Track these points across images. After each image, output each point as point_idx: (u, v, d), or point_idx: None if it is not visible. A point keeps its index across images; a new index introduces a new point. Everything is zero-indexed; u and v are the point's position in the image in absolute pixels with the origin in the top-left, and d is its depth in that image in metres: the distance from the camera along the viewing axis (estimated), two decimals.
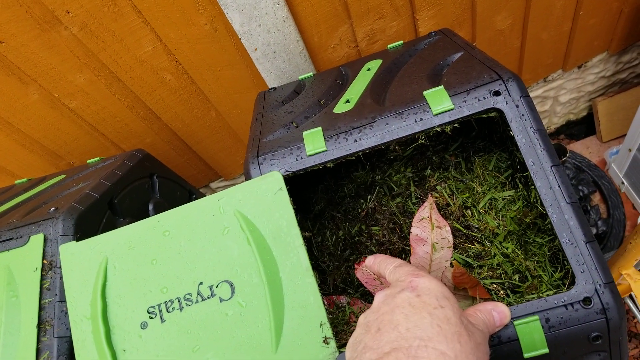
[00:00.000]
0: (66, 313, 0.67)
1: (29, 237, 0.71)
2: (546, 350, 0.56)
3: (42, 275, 0.69)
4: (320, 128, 0.67)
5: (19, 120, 1.10)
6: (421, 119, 0.64)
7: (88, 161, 1.02)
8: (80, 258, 0.67)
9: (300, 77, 0.95)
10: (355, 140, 0.65)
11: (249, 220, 0.63)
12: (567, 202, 0.59)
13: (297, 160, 0.66)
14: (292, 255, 0.62)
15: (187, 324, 0.62)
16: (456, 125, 0.64)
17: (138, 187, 0.94)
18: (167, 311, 0.63)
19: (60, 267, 0.69)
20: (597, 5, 1.28)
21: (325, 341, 0.59)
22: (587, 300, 0.56)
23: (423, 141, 0.66)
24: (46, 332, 0.65)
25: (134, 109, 1.16)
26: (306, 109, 0.77)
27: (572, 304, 0.57)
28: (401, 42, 0.93)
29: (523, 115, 0.62)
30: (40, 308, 0.67)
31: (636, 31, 1.45)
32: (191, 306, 0.63)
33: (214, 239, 0.64)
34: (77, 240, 0.71)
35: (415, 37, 1.18)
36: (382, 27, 1.12)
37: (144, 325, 0.63)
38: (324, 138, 0.66)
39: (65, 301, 0.67)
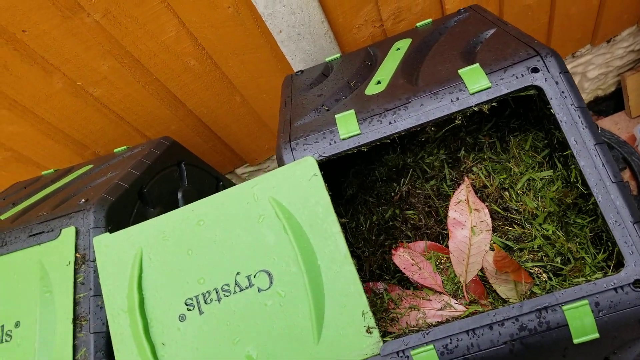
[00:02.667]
0: (102, 307, 0.66)
1: (60, 230, 0.71)
2: (596, 335, 0.55)
3: (75, 269, 0.68)
4: (353, 111, 0.66)
5: (44, 109, 1.10)
6: (457, 99, 0.62)
7: (115, 150, 1.02)
8: (115, 250, 0.66)
9: (327, 59, 0.93)
10: (390, 123, 0.63)
11: (284, 208, 0.62)
12: (613, 182, 0.57)
13: (330, 144, 0.64)
14: (330, 242, 0.60)
15: (226, 315, 0.62)
16: (494, 104, 0.62)
17: (167, 175, 0.94)
18: (205, 303, 0.62)
19: (93, 261, 0.69)
20: None
21: (368, 330, 0.58)
22: (637, 283, 0.55)
23: (459, 122, 0.64)
24: (82, 328, 0.65)
25: (158, 96, 1.16)
26: (336, 92, 0.75)
27: (622, 287, 0.55)
28: (430, 20, 0.90)
29: (563, 92, 0.60)
30: (75, 303, 0.66)
31: None
32: (229, 297, 0.62)
33: (249, 228, 0.63)
34: (110, 232, 0.71)
35: (441, 14, 1.15)
36: (408, 5, 1.09)
37: (182, 318, 0.62)
38: (358, 121, 0.64)
39: (100, 295, 0.67)
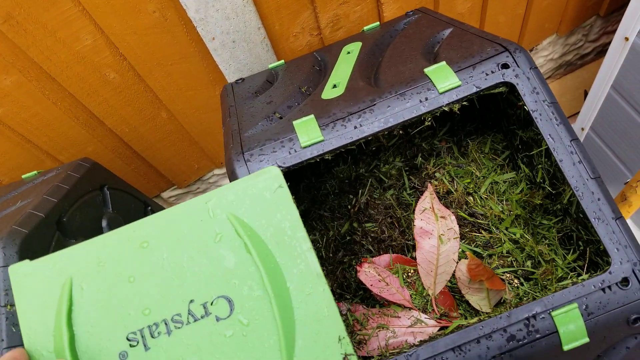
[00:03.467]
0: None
1: None
2: (587, 340, 0.52)
3: None
4: (312, 116, 0.59)
5: None
6: (426, 99, 0.57)
7: (23, 176, 0.87)
8: (37, 280, 0.54)
9: (270, 66, 0.86)
10: (355, 127, 0.57)
11: (246, 224, 0.54)
12: (592, 177, 0.55)
13: (290, 153, 0.57)
14: (300, 261, 0.53)
15: (177, 350, 0.52)
16: (465, 103, 0.58)
17: (88, 201, 0.82)
18: (152, 337, 0.53)
19: (4, 305, 0.57)
20: None
21: (346, 358, 0.51)
22: (625, 281, 0.52)
23: (429, 123, 0.59)
24: None
25: (72, 114, 1.02)
26: (287, 98, 0.68)
27: (609, 287, 0.52)
28: (377, 23, 0.86)
29: (535, 88, 0.58)
30: None
31: (582, 12, 1.48)
32: (181, 328, 0.53)
33: (204, 249, 0.54)
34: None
35: (379, 21, 1.12)
36: (346, 12, 1.05)
37: (123, 356, 0.52)
38: (319, 126, 0.58)
39: (16, 346, 0.55)
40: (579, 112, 1.64)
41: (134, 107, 1.08)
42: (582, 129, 1.61)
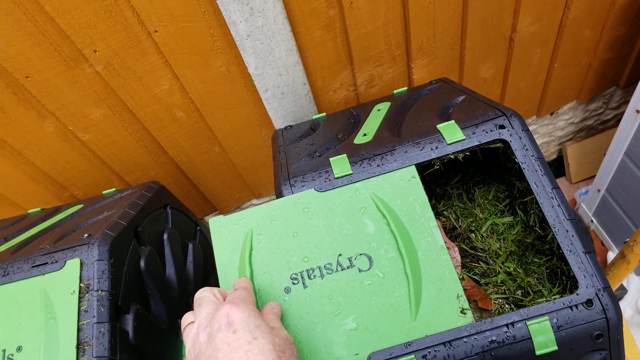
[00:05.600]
0: (104, 334, 0.69)
1: (65, 261, 0.74)
2: (555, 348, 0.63)
3: (79, 298, 0.71)
4: (345, 155, 0.76)
5: (31, 152, 1.13)
6: (437, 147, 0.74)
7: (103, 192, 1.05)
8: (228, 230, 0.73)
9: (314, 117, 1.03)
10: (378, 165, 0.74)
11: (385, 202, 0.71)
12: (567, 219, 0.69)
13: (325, 182, 0.74)
14: (427, 235, 0.69)
15: (328, 290, 0.68)
16: (467, 153, 0.72)
17: (156, 216, 0.99)
18: (309, 278, 0.69)
19: (97, 290, 0.72)
20: (569, 58, 1.43)
21: (463, 312, 0.65)
22: (589, 302, 0.64)
23: (438, 167, 0.74)
24: (85, 352, 0.68)
25: (142, 143, 1.21)
26: (326, 142, 0.85)
27: (576, 306, 0.64)
28: (405, 88, 1.03)
29: (525, 145, 0.73)
30: (79, 329, 0.69)
31: (602, 82, 1.61)
32: (332, 275, 0.69)
33: (351, 217, 0.71)
34: (112, 264, 0.75)
35: (408, 83, 1.29)
36: (380, 74, 1.22)
37: (287, 290, 0.69)
38: (350, 163, 0.74)
39: (103, 322, 0.70)
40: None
41: (194, 141, 1.26)
42: (599, 190, 1.71)
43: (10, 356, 0.68)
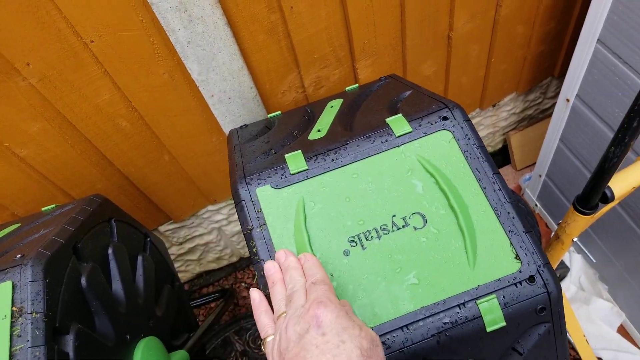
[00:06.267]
0: (39, 358, 0.67)
1: None
2: (504, 324, 0.67)
3: (12, 322, 0.69)
4: (300, 151, 0.77)
5: None
6: (387, 140, 0.77)
7: (43, 209, 1.02)
8: (278, 198, 0.73)
9: (269, 115, 1.05)
10: (332, 160, 0.76)
11: (431, 162, 0.73)
12: (508, 201, 0.73)
13: (282, 178, 0.75)
14: (473, 190, 0.72)
15: (386, 249, 0.70)
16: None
17: (98, 231, 0.96)
18: (367, 240, 0.70)
19: (30, 313, 0.70)
20: (505, 53, 1.49)
21: (517, 257, 0.69)
22: (531, 278, 0.68)
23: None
24: None
25: (86, 156, 1.18)
26: (281, 139, 0.87)
27: (520, 282, 0.68)
28: (357, 85, 1.06)
29: (467, 135, 0.77)
30: (11, 356, 0.66)
31: (538, 74, 1.69)
32: (388, 235, 0.71)
33: (399, 179, 0.73)
34: (47, 284, 0.73)
35: (355, 82, 1.31)
36: (327, 75, 1.24)
37: (346, 253, 0.70)
38: (305, 159, 0.76)
39: (38, 346, 0.68)
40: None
41: (141, 150, 1.24)
42: (540, 176, 1.79)
43: None
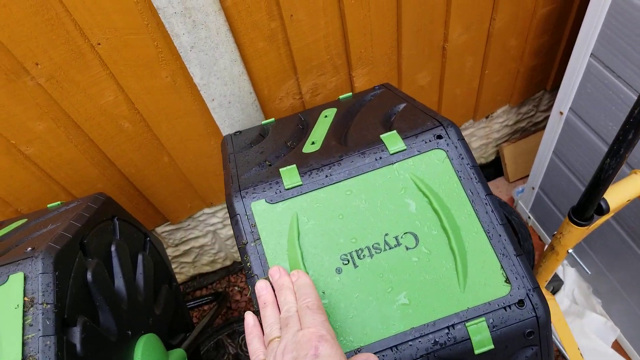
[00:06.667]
0: (50, 347, 0.70)
1: (8, 276, 0.74)
2: (492, 347, 0.68)
3: (24, 312, 0.71)
4: (294, 165, 0.79)
5: None
6: (380, 158, 0.78)
7: (48, 205, 1.05)
8: (272, 213, 0.74)
9: (263, 122, 1.07)
10: (327, 176, 0.77)
11: (425, 182, 0.75)
12: (500, 224, 0.74)
13: (276, 193, 0.76)
14: (466, 211, 0.73)
15: (378, 268, 0.71)
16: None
17: (103, 228, 0.99)
18: (359, 258, 0.72)
19: (41, 303, 0.72)
20: (499, 65, 1.53)
21: (507, 281, 0.70)
22: (521, 302, 0.69)
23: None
24: None
25: (89, 155, 1.21)
26: (276, 150, 0.88)
27: (509, 306, 0.69)
28: (350, 93, 1.08)
29: (461, 154, 0.77)
30: (24, 344, 0.69)
31: (531, 87, 1.73)
32: (380, 254, 0.72)
33: (393, 197, 0.74)
34: (57, 277, 0.75)
35: (351, 90, 1.35)
36: (324, 82, 1.28)
37: (339, 271, 0.71)
38: (299, 174, 0.77)
39: (49, 335, 0.70)
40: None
41: (142, 152, 1.27)
42: (533, 188, 1.83)
43: None
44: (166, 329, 1.16)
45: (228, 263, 1.95)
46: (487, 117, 1.80)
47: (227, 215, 1.68)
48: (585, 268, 1.43)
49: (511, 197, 2.09)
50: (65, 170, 1.22)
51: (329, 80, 1.28)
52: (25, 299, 0.72)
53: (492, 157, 2.10)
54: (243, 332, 1.72)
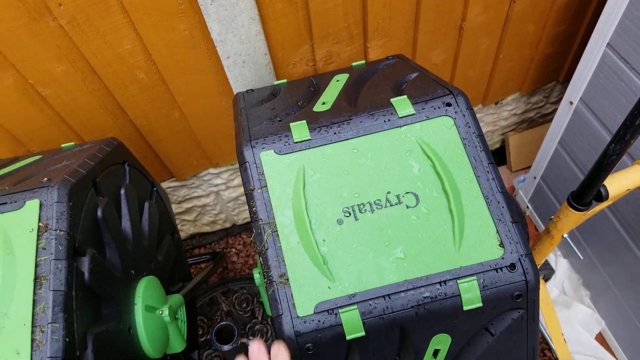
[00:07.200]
0: (61, 270, 0.73)
1: (24, 202, 0.77)
2: (480, 304, 0.72)
3: (38, 236, 0.75)
4: (304, 121, 0.82)
5: None
6: (389, 120, 0.81)
7: (62, 145, 1.08)
8: (280, 164, 0.78)
9: (275, 82, 1.09)
10: (335, 133, 0.80)
11: (430, 146, 0.78)
12: (499, 191, 0.77)
13: (285, 145, 0.80)
14: (468, 177, 0.76)
15: (378, 223, 0.75)
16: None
17: (114, 171, 1.02)
18: (360, 212, 0.75)
19: (55, 230, 0.76)
20: (513, 51, 1.54)
21: (501, 245, 0.73)
22: (512, 266, 0.73)
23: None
24: (42, 286, 0.71)
25: (103, 103, 1.23)
26: (287, 108, 0.91)
27: (501, 268, 0.73)
28: (363, 61, 1.10)
29: (468, 123, 0.80)
30: (37, 265, 0.73)
31: (543, 77, 1.73)
32: (381, 210, 0.75)
33: (398, 158, 0.78)
34: (70, 207, 0.79)
35: (365, 60, 1.36)
36: (338, 51, 1.29)
37: (340, 222, 0.75)
38: (309, 129, 0.80)
39: (61, 259, 0.74)
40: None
41: (154, 104, 1.29)
42: (535, 178, 1.85)
43: None
44: (166, 275, 1.20)
45: (228, 225, 1.99)
46: (496, 104, 1.81)
47: (232, 177, 1.71)
48: (578, 253, 1.46)
49: (512, 186, 2.12)
50: (79, 116, 1.24)
51: (344, 50, 1.30)
52: (40, 224, 0.76)
53: (497, 145, 2.12)
54: (237, 291, 1.76)
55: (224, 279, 1.84)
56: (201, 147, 1.52)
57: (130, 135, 1.36)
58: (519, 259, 0.73)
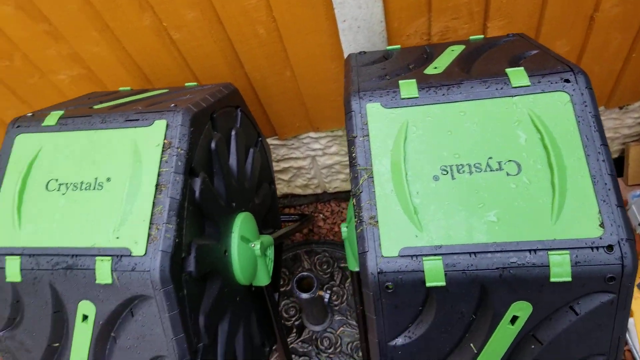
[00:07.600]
0: (178, 182, 0.84)
1: (154, 121, 0.89)
2: (569, 279, 0.70)
3: (162, 150, 0.86)
4: (414, 80, 0.84)
5: (128, 41, 1.27)
6: (502, 88, 0.80)
7: (186, 84, 1.19)
8: (384, 117, 0.82)
9: (388, 47, 1.11)
10: (443, 94, 0.81)
11: (541, 119, 0.78)
12: (608, 174, 0.74)
13: (392, 100, 0.82)
14: (577, 155, 0.76)
15: (474, 185, 0.77)
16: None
17: (228, 112, 1.12)
18: (458, 172, 0.78)
19: (177, 147, 0.86)
20: None
21: (602, 225, 0.73)
22: (610, 247, 0.70)
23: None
24: (161, 192, 0.83)
25: (224, 53, 1.33)
26: (397, 69, 0.93)
27: (597, 248, 0.71)
28: (482, 36, 1.09)
29: (585, 102, 0.78)
30: (159, 174, 0.84)
31: None
32: (480, 173, 0.77)
33: (505, 126, 0.79)
34: (191, 133, 0.88)
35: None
36: (455, 27, 1.27)
37: (436, 178, 0.78)
38: (417, 88, 0.82)
39: (179, 173, 0.84)
40: None
41: (269, 60, 1.37)
42: None
43: (100, 184, 0.84)
44: (260, 218, 1.29)
45: (319, 191, 2.05)
46: (620, 108, 1.67)
47: (330, 143, 1.76)
48: None
49: (626, 200, 1.95)
50: (202, 62, 1.35)
51: (461, 27, 1.27)
52: (165, 141, 0.87)
53: (615, 155, 1.95)
54: (320, 253, 1.83)
55: (309, 240, 1.91)
56: (305, 109, 1.57)
57: (243, 87, 1.45)
58: (619, 242, 0.70)
